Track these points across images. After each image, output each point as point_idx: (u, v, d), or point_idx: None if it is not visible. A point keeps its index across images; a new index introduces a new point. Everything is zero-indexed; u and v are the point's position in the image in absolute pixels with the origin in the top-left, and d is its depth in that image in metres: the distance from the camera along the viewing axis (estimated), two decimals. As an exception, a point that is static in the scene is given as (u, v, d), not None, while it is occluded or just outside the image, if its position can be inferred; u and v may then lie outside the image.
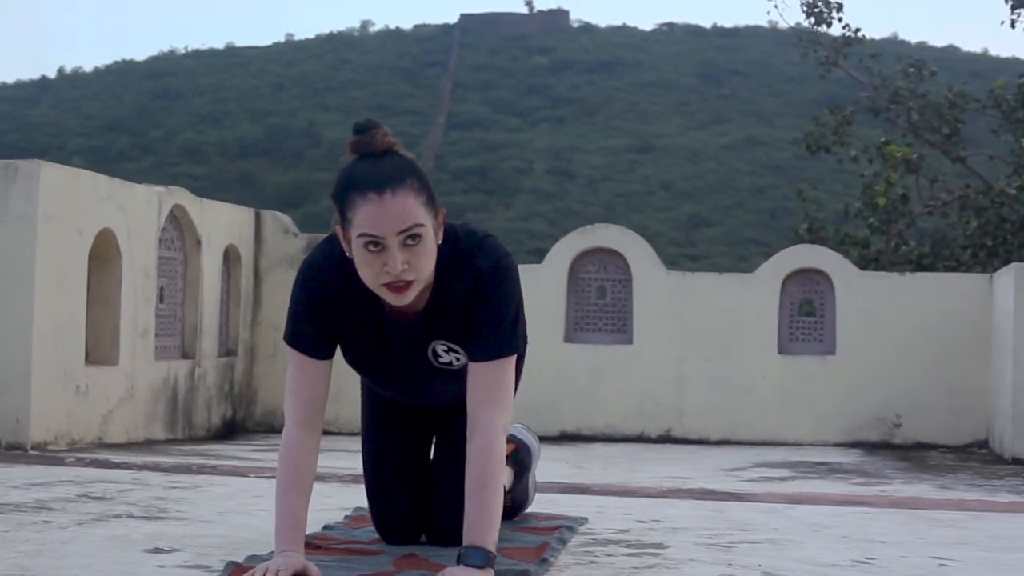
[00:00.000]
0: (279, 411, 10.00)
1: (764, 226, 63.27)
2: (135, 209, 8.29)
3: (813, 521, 5.31)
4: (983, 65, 61.45)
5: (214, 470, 6.77)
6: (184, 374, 8.98)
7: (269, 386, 10.06)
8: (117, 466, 6.69)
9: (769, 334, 9.84)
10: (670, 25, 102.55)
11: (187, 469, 6.74)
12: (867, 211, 16.65)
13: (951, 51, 79.98)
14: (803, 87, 79.25)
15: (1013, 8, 18.38)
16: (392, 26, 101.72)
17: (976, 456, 9.26)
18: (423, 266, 3.28)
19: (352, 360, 3.74)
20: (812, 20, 18.08)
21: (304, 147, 73.86)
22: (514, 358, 3.49)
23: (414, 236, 3.23)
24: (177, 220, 8.93)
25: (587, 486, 6.24)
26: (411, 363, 3.68)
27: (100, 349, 8.05)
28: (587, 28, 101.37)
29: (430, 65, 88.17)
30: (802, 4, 18.03)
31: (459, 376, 3.65)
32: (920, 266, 15.96)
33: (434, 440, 4.16)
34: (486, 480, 3.40)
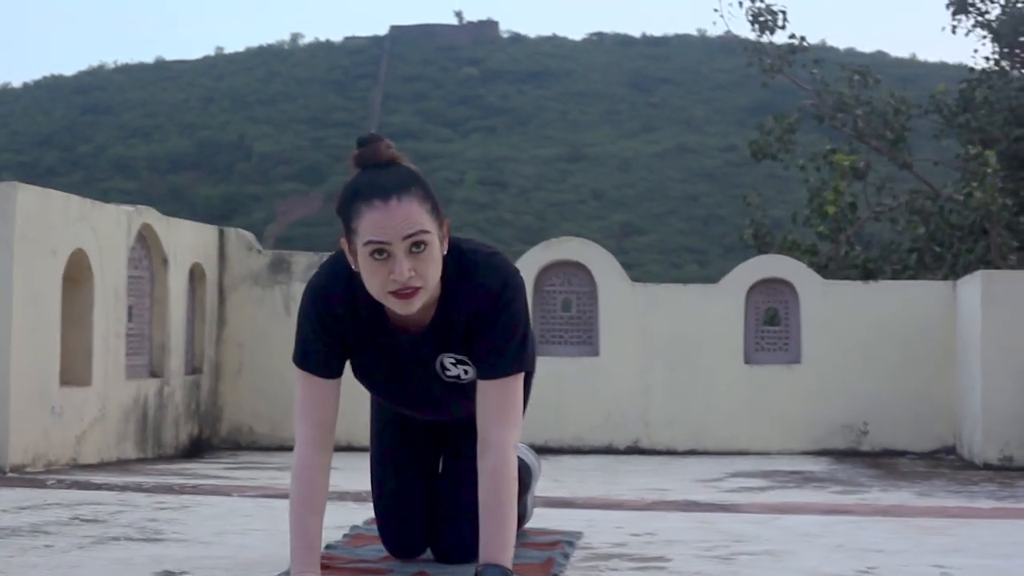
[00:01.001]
0: (245, 428, 9.98)
1: (697, 234, 63.70)
2: (106, 229, 8.24)
3: (804, 531, 5.35)
4: (911, 70, 62.07)
5: (196, 489, 6.74)
6: (153, 393, 8.93)
7: (235, 404, 10.01)
8: (99, 487, 6.65)
9: (735, 344, 9.89)
10: (599, 35, 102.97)
11: (169, 489, 6.71)
12: (815, 218, 16.76)
13: (879, 56, 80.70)
14: (732, 94, 79.85)
15: (954, 14, 18.60)
16: (322, 38, 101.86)
17: (945, 462, 9.35)
18: (429, 273, 3.30)
19: (361, 376, 3.75)
20: (757, 28, 18.17)
21: (235, 160, 73.61)
22: (523, 375, 3.50)
23: (419, 243, 3.25)
24: (144, 239, 8.88)
25: (570, 500, 6.26)
26: (419, 377, 3.70)
27: (73, 370, 7.98)
28: (517, 38, 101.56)
29: (361, 77, 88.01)
30: (747, 13, 18.12)
31: (467, 390, 3.66)
32: (867, 272, 16.10)
33: (442, 460, 4.17)
34: (500, 498, 3.41)
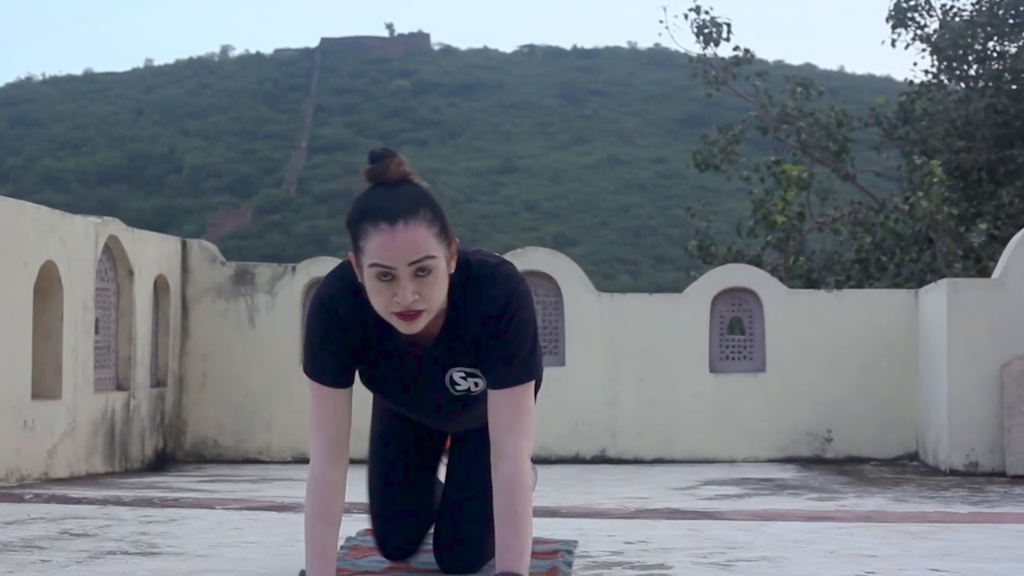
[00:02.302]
0: (210, 441, 9.92)
1: (629, 245, 63.87)
2: (74, 241, 8.18)
3: (793, 538, 5.39)
4: (839, 83, 62.59)
5: (178, 503, 6.71)
6: (120, 406, 8.86)
7: (198, 416, 9.96)
8: (79, 501, 6.61)
9: (700, 353, 9.95)
10: (530, 47, 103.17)
11: (150, 503, 6.67)
12: (758, 228, 16.87)
13: (808, 69, 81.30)
14: (663, 106, 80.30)
15: (893, 27, 18.81)
16: (252, 51, 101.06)
17: (910, 468, 9.44)
18: (434, 296, 3.29)
19: (369, 384, 3.74)
20: (702, 41, 18.29)
21: (165, 172, 73.15)
22: (533, 383, 3.50)
23: (424, 268, 3.23)
24: (111, 251, 8.82)
25: (555, 509, 6.27)
26: (428, 390, 3.69)
27: (43, 383, 7.92)
28: (448, 51, 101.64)
29: (291, 89, 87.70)
30: (692, 25, 18.24)
31: (477, 401, 3.66)
32: (810, 282, 16.24)
33: (447, 461, 4.17)
34: (515, 506, 3.41)
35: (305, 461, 9.56)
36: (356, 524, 5.38)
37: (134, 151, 75.35)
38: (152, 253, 9.39)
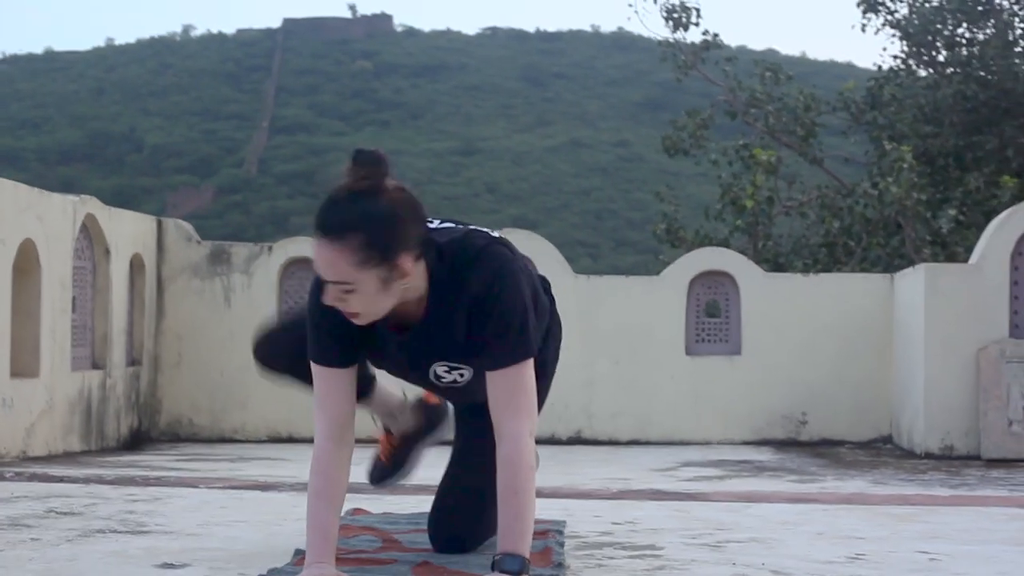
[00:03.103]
0: (184, 421, 9.89)
1: (590, 228, 63.89)
2: (52, 219, 8.12)
3: (780, 519, 5.41)
4: (802, 68, 62.72)
5: (160, 482, 6.70)
6: (96, 385, 8.82)
7: (173, 396, 9.92)
8: (61, 480, 6.58)
9: (676, 336, 9.97)
10: (493, 29, 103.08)
11: (132, 482, 6.65)
12: (726, 212, 16.91)
13: (771, 54, 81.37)
14: (625, 90, 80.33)
15: (864, 12, 18.86)
16: (215, 30, 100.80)
17: (885, 451, 9.49)
18: (363, 308, 3.31)
19: (372, 364, 3.74)
20: (671, 25, 18.31)
21: (126, 152, 72.74)
22: (531, 361, 3.47)
23: (344, 288, 3.26)
24: (87, 229, 8.77)
25: (537, 489, 6.26)
26: (417, 377, 3.70)
27: (22, 361, 7.87)
28: (411, 32, 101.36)
29: (253, 69, 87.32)
30: (661, 9, 18.26)
31: (466, 389, 3.67)
32: (777, 266, 16.28)
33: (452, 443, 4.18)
34: (516, 487, 3.41)
35: (279, 441, 9.63)
36: (346, 504, 5.37)
37: (95, 130, 74.90)
38: (128, 232, 9.34)
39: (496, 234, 3.63)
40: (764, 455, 9.06)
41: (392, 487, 4.43)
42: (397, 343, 3.53)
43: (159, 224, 9.98)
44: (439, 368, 3.58)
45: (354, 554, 3.94)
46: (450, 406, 4.28)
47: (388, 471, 4.33)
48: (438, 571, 3.73)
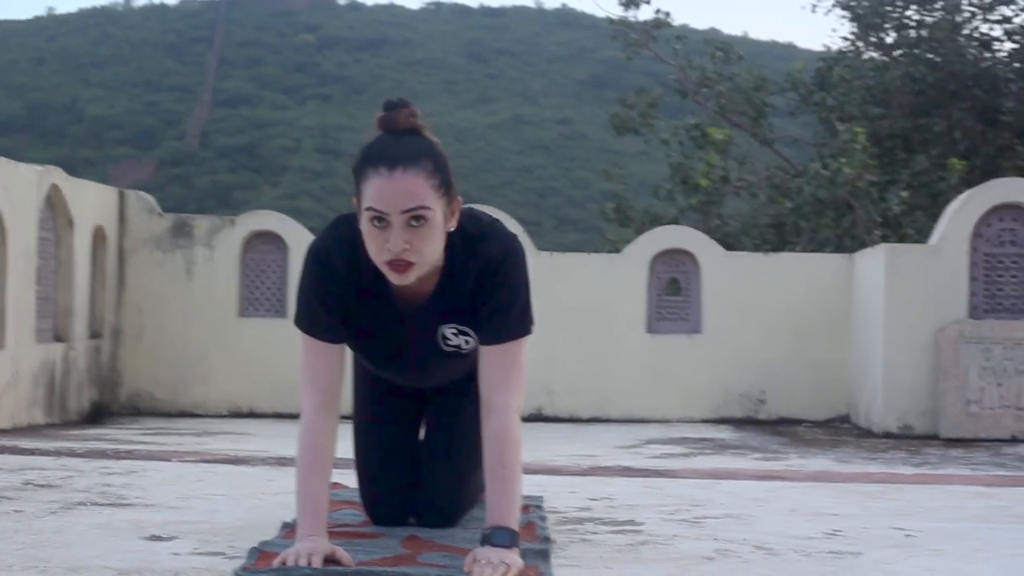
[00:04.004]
0: (145, 394, 9.86)
1: (532, 205, 63.81)
2: (18, 189, 8.07)
3: (750, 496, 5.47)
4: (745, 48, 62.87)
5: (132, 455, 6.68)
6: (60, 358, 8.78)
7: (134, 369, 9.89)
8: (32, 452, 6.56)
9: (638, 313, 10.03)
10: (437, 4, 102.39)
11: (103, 455, 6.64)
12: (676, 191, 16.98)
13: (713, 34, 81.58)
14: (568, 67, 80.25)
15: (817, -8, 19.00)
16: (156, 1, 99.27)
17: (843, 430, 9.58)
18: (426, 249, 3.30)
19: (357, 344, 3.74)
20: (624, 3, 18.35)
21: (66, 123, 71.90)
22: (526, 340, 3.53)
23: (418, 217, 3.25)
24: (51, 200, 8.71)
25: (509, 465, 6.31)
26: (419, 346, 3.71)
27: (-13, 333, 7.84)
28: (354, 6, 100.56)
29: (195, 41, 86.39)
30: (615, -13, 18.29)
31: (467, 358, 3.70)
32: (727, 246, 16.37)
33: (424, 423, 4.19)
34: (504, 460, 3.45)
35: (240, 415, 9.61)
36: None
37: (35, 101, 73.96)
38: (91, 203, 9.29)
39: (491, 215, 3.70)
40: (724, 433, 9.14)
41: None
42: (406, 313, 3.55)
43: (121, 196, 9.93)
44: (448, 330, 3.60)
45: (340, 527, 3.94)
46: None
47: None
48: (426, 545, 3.75)
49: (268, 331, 9.81)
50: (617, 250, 15.11)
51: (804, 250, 15.38)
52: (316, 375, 3.53)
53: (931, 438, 8.85)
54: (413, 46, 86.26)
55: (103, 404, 9.56)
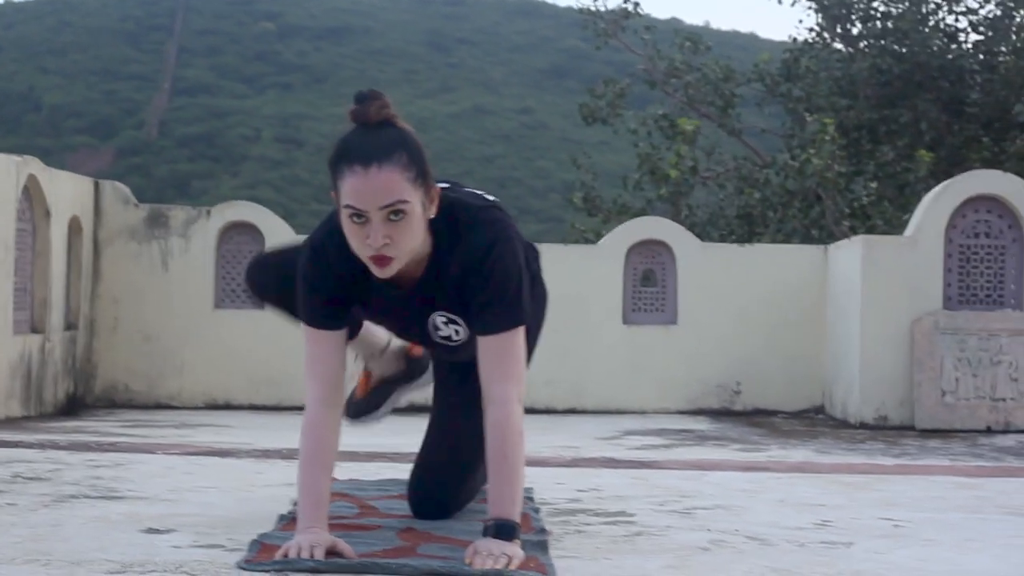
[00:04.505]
0: (120, 386, 9.82)
1: (492, 195, 63.86)
2: (-4, 180, 8.04)
3: (737, 487, 5.52)
4: (708, 39, 62.93)
5: (115, 447, 6.68)
6: (36, 349, 8.73)
7: (109, 361, 9.84)
8: (16, 445, 6.57)
9: (613, 305, 10.04)
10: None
11: (87, 447, 6.63)
12: (644, 181, 17.01)
13: (674, 23, 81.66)
14: (529, 56, 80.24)
15: (781, -16, 19.05)
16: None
17: (818, 421, 9.63)
18: (405, 242, 3.33)
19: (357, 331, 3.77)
20: (592, -7, 18.40)
21: (23, 112, 71.40)
22: (522, 328, 3.55)
23: (397, 212, 3.27)
24: (28, 190, 8.66)
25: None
26: (414, 333, 3.75)
27: (-35, 325, 7.79)
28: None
29: (155, 29, 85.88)
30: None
31: (458, 351, 3.71)
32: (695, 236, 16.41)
33: (431, 412, 4.21)
34: (506, 452, 3.47)
35: (216, 407, 9.58)
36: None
37: (-9, 89, 73.56)
38: (67, 194, 9.24)
39: (491, 198, 3.69)
40: (701, 424, 9.17)
41: (365, 424, 4.44)
42: (396, 297, 3.56)
43: (96, 186, 9.88)
44: (438, 318, 3.63)
45: (335, 520, 3.96)
46: (430, 366, 4.33)
47: (362, 407, 4.37)
48: (423, 536, 3.77)
49: (244, 323, 9.79)
50: (587, 240, 15.16)
51: (772, 241, 15.43)
52: (318, 366, 3.56)
53: (907, 429, 8.91)
54: (374, 35, 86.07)
55: (78, 396, 9.51)
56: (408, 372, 4.37)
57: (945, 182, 9.49)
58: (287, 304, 3.81)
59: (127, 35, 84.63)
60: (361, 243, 3.31)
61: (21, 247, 8.61)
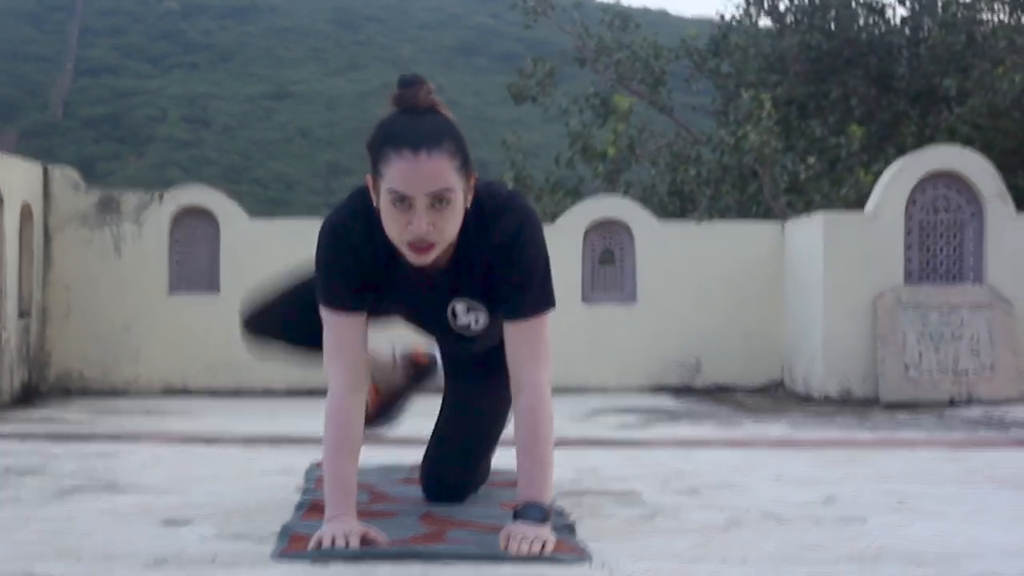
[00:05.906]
0: (75, 374, 9.68)
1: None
2: (-48, 167, 7.86)
3: (730, 464, 5.57)
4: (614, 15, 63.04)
5: (97, 437, 6.63)
6: (-8, 338, 8.58)
7: (62, 349, 9.68)
8: (-9, 436, 6.49)
9: (573, 284, 10.03)
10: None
11: (67, 438, 6.56)
12: (576, 159, 16.99)
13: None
14: (438, 33, 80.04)
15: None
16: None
17: (780, 396, 9.70)
18: (448, 229, 3.32)
19: (374, 313, 3.74)
20: (521, -29, 18.30)
21: (-77, 95, 70.31)
22: (549, 314, 3.55)
23: (442, 199, 3.26)
24: (-21, 177, 8.50)
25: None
26: (432, 321, 3.72)
27: (-74, 315, 7.62)
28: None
29: (56, 9, 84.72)
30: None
31: (473, 342, 3.70)
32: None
33: (442, 398, 4.21)
34: (537, 436, 3.48)
35: (175, 393, 9.50)
36: (309, 456, 5.35)
37: None
38: (18, 179, 9.06)
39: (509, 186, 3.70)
40: (665, 401, 9.19)
41: (377, 435, 4.44)
42: (419, 283, 3.53)
43: (45, 171, 9.70)
44: (458, 306, 3.61)
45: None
46: (440, 365, 4.31)
47: (376, 422, 4.36)
48: (446, 522, 3.76)
49: (200, 308, 9.68)
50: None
51: (702, 219, 15.47)
52: (342, 352, 3.52)
53: (872, 402, 8.99)
54: (280, 13, 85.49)
55: (32, 384, 9.34)
56: (416, 379, 4.38)
57: (904, 157, 9.57)
58: (296, 342, 3.89)
59: (28, 15, 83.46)
60: (402, 228, 3.27)
61: (-25, 235, 8.44)
